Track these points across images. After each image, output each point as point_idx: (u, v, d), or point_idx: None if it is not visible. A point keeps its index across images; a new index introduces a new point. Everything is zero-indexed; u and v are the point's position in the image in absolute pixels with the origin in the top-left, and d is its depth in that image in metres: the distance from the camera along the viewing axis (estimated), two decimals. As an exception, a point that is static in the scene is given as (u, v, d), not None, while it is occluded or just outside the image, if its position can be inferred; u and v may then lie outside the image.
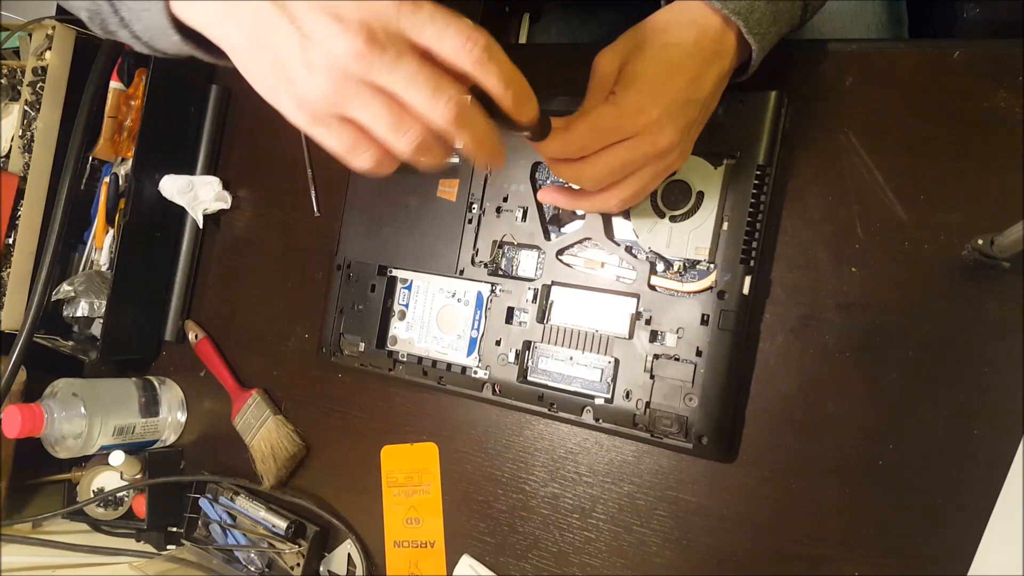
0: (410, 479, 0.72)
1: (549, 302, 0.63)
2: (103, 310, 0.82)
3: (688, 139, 0.51)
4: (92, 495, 0.85)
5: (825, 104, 0.56)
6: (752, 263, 0.55)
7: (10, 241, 0.85)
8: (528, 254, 0.65)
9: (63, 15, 0.86)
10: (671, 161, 0.51)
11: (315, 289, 0.78)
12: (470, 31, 0.39)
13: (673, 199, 0.58)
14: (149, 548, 0.85)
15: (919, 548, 0.51)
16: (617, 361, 0.60)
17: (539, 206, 0.64)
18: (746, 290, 0.55)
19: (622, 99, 0.48)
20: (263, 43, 0.39)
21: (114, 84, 0.85)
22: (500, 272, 0.66)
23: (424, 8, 0.38)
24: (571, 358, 0.62)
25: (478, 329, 0.66)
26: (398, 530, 0.73)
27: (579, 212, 0.63)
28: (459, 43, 0.39)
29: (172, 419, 0.86)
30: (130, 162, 0.84)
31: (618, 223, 0.61)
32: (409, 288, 0.71)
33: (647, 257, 0.60)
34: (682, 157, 0.52)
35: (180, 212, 0.85)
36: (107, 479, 0.85)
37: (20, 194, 0.85)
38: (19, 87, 0.85)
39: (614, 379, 0.60)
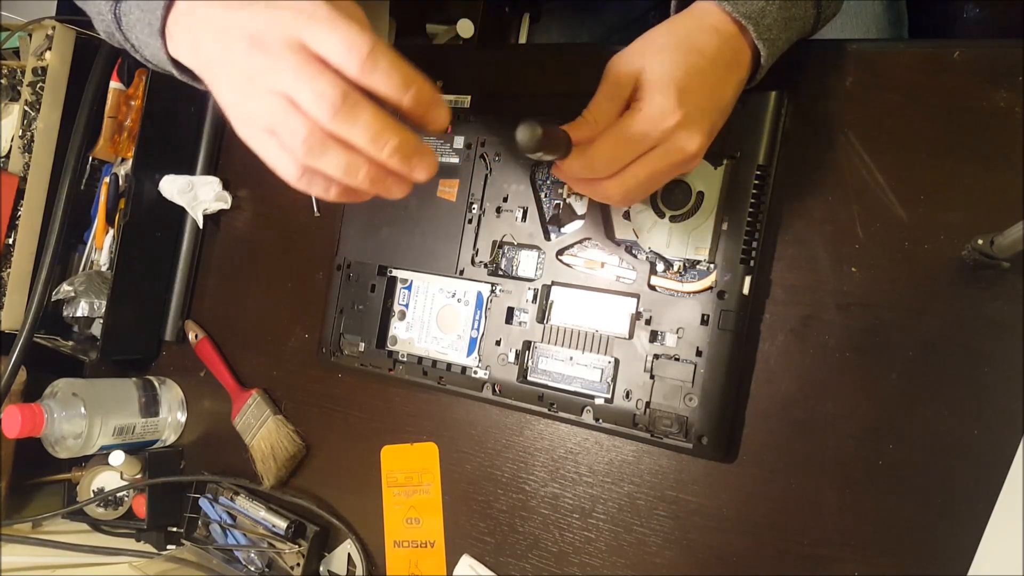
0: (410, 479, 0.72)
1: (549, 302, 0.63)
2: (103, 310, 0.82)
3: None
4: (92, 495, 0.85)
5: (825, 104, 0.56)
6: (752, 263, 0.55)
7: (10, 241, 0.85)
8: (528, 254, 0.65)
9: (63, 15, 0.86)
10: (690, 167, 0.51)
11: (315, 289, 0.78)
12: (353, 37, 0.38)
13: (673, 199, 0.58)
14: (149, 548, 0.84)
15: (919, 548, 0.51)
16: (617, 361, 0.60)
17: (539, 206, 0.64)
18: (746, 290, 0.55)
19: (647, 105, 0.47)
20: (214, 73, 0.44)
21: (114, 84, 0.85)
22: (500, 272, 0.66)
23: (316, 14, 0.39)
24: (571, 358, 0.62)
25: (478, 329, 0.66)
26: (398, 530, 0.73)
27: (579, 212, 0.63)
28: (342, 50, 0.39)
29: (172, 419, 0.86)
30: (130, 162, 0.83)
31: (618, 223, 0.61)
32: (409, 288, 0.71)
33: (647, 257, 0.60)
34: (697, 162, 0.51)
35: (180, 212, 0.85)
36: (107, 479, 0.85)
37: (20, 194, 0.84)
38: (19, 87, 0.85)
39: (614, 379, 0.60)
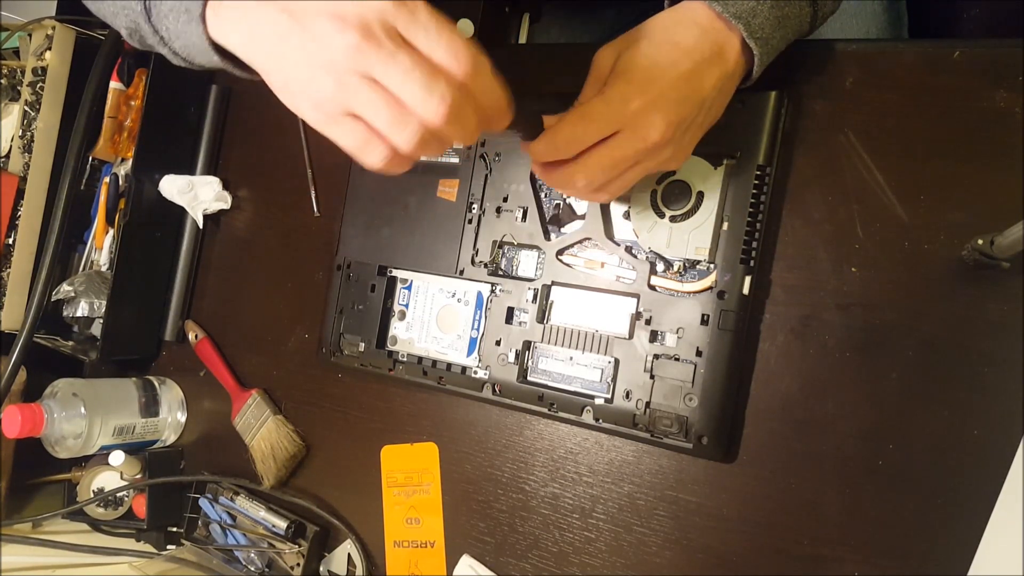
0: (410, 479, 0.72)
1: (549, 302, 0.63)
2: (103, 310, 0.82)
3: (684, 140, 0.51)
4: (92, 495, 0.85)
5: (825, 104, 0.56)
6: (752, 263, 0.55)
7: (10, 241, 0.85)
8: (528, 254, 0.65)
9: (63, 15, 0.86)
10: (663, 159, 0.50)
11: (315, 289, 0.78)
12: (458, 50, 0.39)
13: (673, 199, 0.58)
14: (149, 548, 0.85)
15: (919, 548, 0.51)
16: (617, 361, 0.60)
17: (539, 206, 0.64)
18: (746, 290, 0.55)
19: (609, 89, 0.48)
20: (281, 53, 0.41)
21: (114, 84, 0.85)
22: (500, 272, 0.66)
23: (420, 15, 0.39)
24: (571, 358, 0.62)
25: (478, 329, 0.66)
26: (398, 530, 0.73)
27: (579, 212, 0.63)
28: (446, 59, 0.40)
29: (172, 419, 0.86)
30: (130, 162, 0.84)
31: (618, 223, 0.61)
32: (409, 288, 0.71)
33: (647, 257, 0.60)
34: (677, 158, 0.51)
35: (180, 212, 0.85)
36: (107, 479, 0.85)
37: (20, 194, 0.85)
38: (19, 87, 0.85)
39: (614, 379, 0.60)
